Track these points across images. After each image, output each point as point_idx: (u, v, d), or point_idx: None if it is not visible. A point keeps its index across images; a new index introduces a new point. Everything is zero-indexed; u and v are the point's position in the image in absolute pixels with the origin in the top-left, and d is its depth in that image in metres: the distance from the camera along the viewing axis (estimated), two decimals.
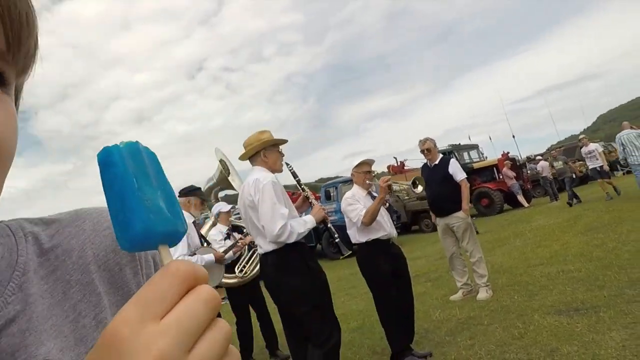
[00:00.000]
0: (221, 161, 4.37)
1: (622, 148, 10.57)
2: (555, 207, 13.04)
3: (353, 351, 4.35)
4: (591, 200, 12.32)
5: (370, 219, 3.72)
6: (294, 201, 3.21)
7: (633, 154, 10.34)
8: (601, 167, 11.58)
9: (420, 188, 4.26)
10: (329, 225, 3.13)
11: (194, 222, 3.75)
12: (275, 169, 3.04)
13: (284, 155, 3.12)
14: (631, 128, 10.35)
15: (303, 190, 3.18)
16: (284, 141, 3.12)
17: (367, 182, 4.01)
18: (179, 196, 3.80)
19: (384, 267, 3.78)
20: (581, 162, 20.51)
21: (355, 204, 3.82)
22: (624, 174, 19.83)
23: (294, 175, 3.14)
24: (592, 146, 12.02)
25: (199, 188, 3.82)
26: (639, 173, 10.28)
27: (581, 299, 4.19)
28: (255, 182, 2.85)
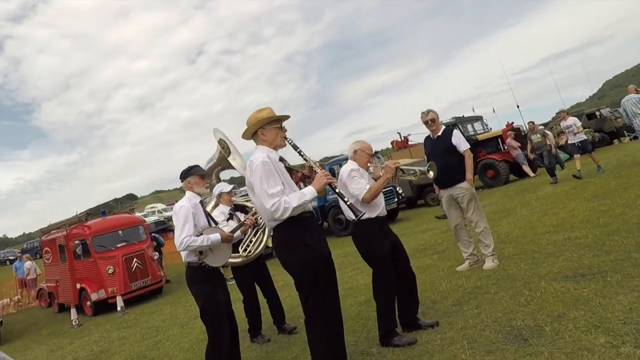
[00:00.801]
0: (220, 141, 4.32)
1: (625, 114, 10.40)
2: (561, 175, 12.91)
3: (361, 324, 4.38)
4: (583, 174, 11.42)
5: (372, 197, 3.70)
6: (303, 174, 3.21)
7: (635, 120, 10.17)
8: (582, 141, 11.24)
9: (432, 174, 4.22)
10: (337, 190, 3.07)
11: (200, 202, 3.76)
12: (275, 145, 3.03)
13: (285, 131, 3.09)
14: (636, 91, 10.15)
15: (306, 160, 3.14)
16: (282, 117, 3.08)
17: (368, 164, 3.99)
18: (180, 180, 3.83)
19: (385, 244, 3.76)
20: (587, 129, 20.28)
21: (360, 178, 3.79)
22: (630, 139, 19.58)
23: (295, 147, 3.10)
24: (571, 120, 11.61)
25: (195, 165, 3.82)
26: None
27: (588, 265, 4.16)
28: (249, 164, 2.90)
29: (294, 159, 3.28)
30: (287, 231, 2.84)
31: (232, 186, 4.92)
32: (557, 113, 13.99)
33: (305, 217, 2.89)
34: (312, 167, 3.12)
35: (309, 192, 2.85)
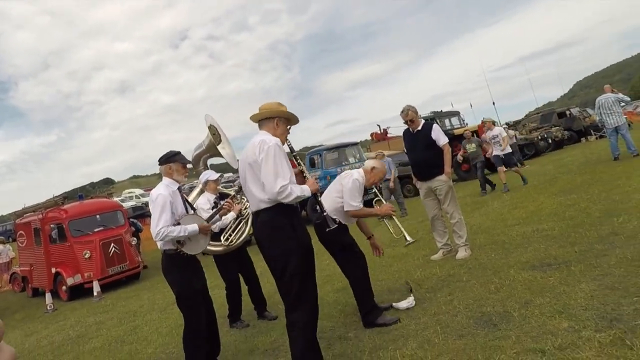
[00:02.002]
0: (211, 127, 4.27)
1: (599, 111, 10.71)
2: (531, 171, 13.24)
3: (338, 310, 4.46)
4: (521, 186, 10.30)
5: (355, 216, 3.99)
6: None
7: (608, 119, 10.51)
8: (507, 154, 10.65)
9: (408, 242, 4.48)
10: (319, 199, 3.19)
11: (178, 189, 3.66)
12: (280, 139, 3.08)
13: (289, 133, 3.20)
14: (612, 92, 10.46)
15: (299, 164, 3.24)
16: (297, 121, 3.22)
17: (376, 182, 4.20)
18: (159, 164, 3.70)
19: (350, 239, 4.02)
20: (557, 127, 20.84)
21: (359, 196, 3.95)
22: (597, 138, 20.19)
23: (292, 150, 3.22)
24: (497, 130, 10.95)
25: (178, 152, 3.71)
26: (613, 137, 10.51)
27: (554, 255, 4.33)
28: (260, 143, 2.90)
29: None
30: (278, 214, 2.88)
31: (219, 174, 4.88)
32: (481, 121, 12.73)
33: (294, 205, 2.95)
34: (302, 171, 3.23)
35: (307, 190, 2.94)
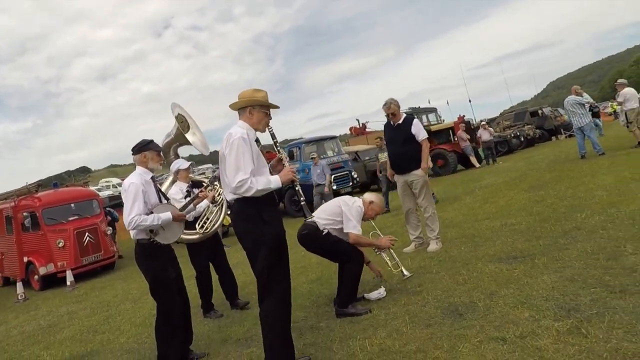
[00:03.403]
0: (178, 116, 4.20)
1: (567, 112, 11.05)
2: (503, 168, 13.54)
3: (311, 300, 4.49)
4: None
5: (354, 242, 3.97)
6: (271, 159, 3.24)
7: (573, 119, 10.85)
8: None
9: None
10: (297, 188, 3.17)
11: (152, 178, 3.61)
12: (257, 127, 3.06)
13: (271, 119, 3.14)
14: (575, 93, 10.77)
15: (278, 152, 3.21)
16: (272, 106, 3.14)
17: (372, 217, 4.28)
18: (132, 154, 3.64)
19: (339, 238, 4.03)
20: (530, 125, 21.30)
21: (360, 222, 4.02)
22: (566, 137, 20.72)
23: (273, 136, 3.19)
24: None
25: (151, 140, 3.66)
26: (579, 136, 10.82)
27: (520, 249, 4.45)
28: (227, 136, 2.90)
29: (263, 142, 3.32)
30: (246, 206, 2.87)
31: (189, 163, 4.83)
32: (375, 139, 11.13)
33: (266, 195, 2.92)
34: (281, 159, 3.19)
35: (275, 181, 2.90)
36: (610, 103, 18.90)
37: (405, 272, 4.24)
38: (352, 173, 13.68)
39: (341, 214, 3.99)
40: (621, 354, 2.25)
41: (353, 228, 3.92)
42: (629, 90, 10.86)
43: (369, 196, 4.25)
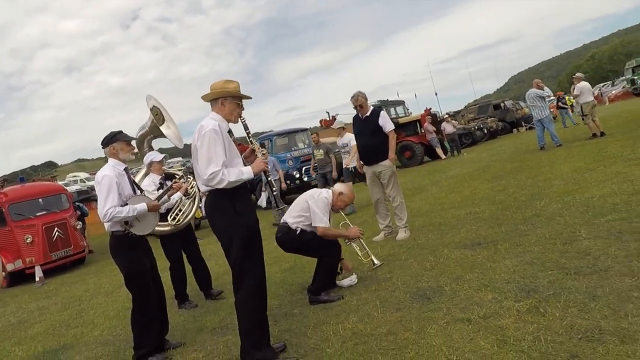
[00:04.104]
0: (153, 108, 4.13)
1: (527, 105, 11.44)
2: (467, 159, 13.88)
3: (285, 288, 4.53)
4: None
5: (323, 234, 3.96)
6: (243, 151, 3.23)
7: (533, 112, 11.23)
8: (356, 168, 7.24)
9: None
10: (269, 178, 3.18)
11: (125, 169, 3.55)
12: (229, 119, 3.02)
13: (243, 109, 3.10)
14: (537, 87, 11.13)
15: (251, 142, 3.19)
16: (244, 97, 3.10)
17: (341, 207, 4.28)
18: (102, 147, 3.56)
19: (314, 234, 4.04)
20: (492, 118, 21.84)
21: (327, 215, 4.00)
22: (527, 129, 21.38)
23: (245, 127, 3.16)
24: (347, 137, 8.62)
25: (120, 131, 3.58)
26: (538, 128, 11.20)
27: (483, 235, 4.61)
28: (199, 128, 2.87)
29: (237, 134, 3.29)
30: (220, 197, 2.86)
31: (163, 155, 4.77)
32: (312, 135, 10.44)
33: (239, 187, 2.92)
34: (254, 150, 3.17)
35: (247, 172, 2.89)
36: (567, 97, 19.61)
37: (376, 261, 4.30)
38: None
39: (309, 208, 3.99)
40: (575, 329, 2.39)
41: (320, 221, 3.93)
42: (584, 84, 11.31)
43: (338, 187, 4.28)
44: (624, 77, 30.26)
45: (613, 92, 31.05)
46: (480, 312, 2.87)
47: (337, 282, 4.18)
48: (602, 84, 40.40)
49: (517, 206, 5.50)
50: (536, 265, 3.43)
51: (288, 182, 12.10)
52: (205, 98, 3.08)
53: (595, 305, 2.59)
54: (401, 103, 19.59)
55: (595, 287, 2.81)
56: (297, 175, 12.79)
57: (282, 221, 4.15)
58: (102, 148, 3.57)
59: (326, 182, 9.34)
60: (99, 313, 5.38)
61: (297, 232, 3.98)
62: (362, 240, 4.38)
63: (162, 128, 4.09)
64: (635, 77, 26.08)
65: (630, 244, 3.37)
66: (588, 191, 5.33)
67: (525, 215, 4.99)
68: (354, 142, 8.16)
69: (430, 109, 18.16)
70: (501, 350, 2.36)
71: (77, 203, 12.33)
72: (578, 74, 11.98)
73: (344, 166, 9.06)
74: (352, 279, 4.16)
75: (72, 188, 25.40)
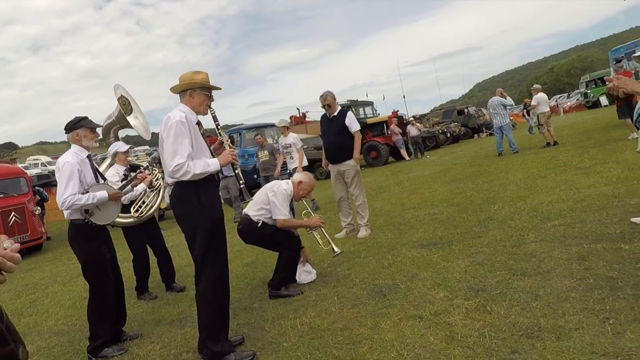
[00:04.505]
0: (121, 98, 4.01)
1: (489, 111, 11.80)
2: (430, 161, 14.20)
3: (246, 282, 4.53)
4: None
5: (283, 226, 3.97)
6: (213, 143, 3.19)
7: (494, 119, 11.61)
8: (295, 169, 8.00)
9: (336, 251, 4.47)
10: (237, 170, 3.15)
11: (88, 157, 3.45)
12: (198, 110, 2.97)
13: (212, 100, 3.05)
14: (501, 95, 11.50)
15: (220, 134, 3.16)
16: (213, 88, 3.05)
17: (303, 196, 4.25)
18: (65, 132, 3.45)
19: (274, 228, 4.05)
20: (456, 123, 22.40)
21: (287, 207, 3.99)
22: (487, 135, 22.05)
23: (215, 119, 3.11)
24: (291, 138, 8.49)
25: (85, 117, 3.47)
26: (498, 135, 11.59)
27: (440, 236, 4.75)
28: (166, 119, 2.82)
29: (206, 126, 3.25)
30: (186, 189, 2.83)
31: (128, 146, 4.65)
32: (256, 136, 10.10)
33: (205, 179, 2.89)
34: (222, 142, 3.14)
35: (213, 164, 2.86)
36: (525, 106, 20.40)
37: (336, 249, 4.33)
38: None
39: (268, 202, 3.99)
40: (517, 327, 2.51)
41: (279, 214, 3.93)
42: (541, 96, 11.76)
43: (297, 176, 4.27)
44: (578, 91, 31.65)
45: (568, 104, 32.44)
46: (431, 309, 2.96)
47: (297, 278, 4.19)
48: (558, 96, 42.11)
49: (473, 209, 5.69)
50: (486, 265, 3.57)
51: (255, 176, 12.03)
52: (173, 90, 3.03)
53: (537, 304, 2.73)
54: (370, 104, 19.82)
55: (538, 288, 2.96)
56: None
57: (244, 214, 4.14)
58: (65, 133, 3.46)
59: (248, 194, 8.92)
60: (54, 302, 5.20)
61: (259, 224, 3.98)
62: (323, 229, 4.40)
63: (130, 118, 3.99)
64: (589, 91, 27.31)
65: (572, 247, 3.56)
66: (538, 197, 5.57)
67: (479, 217, 5.17)
68: (300, 143, 8.44)
69: (398, 111, 18.48)
70: (449, 346, 2.46)
71: (36, 187, 11.86)
72: (536, 86, 12.45)
73: (289, 167, 8.64)
74: (311, 275, 4.20)
75: (32, 172, 24.35)
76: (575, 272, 3.09)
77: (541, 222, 4.47)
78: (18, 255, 0.95)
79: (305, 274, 4.23)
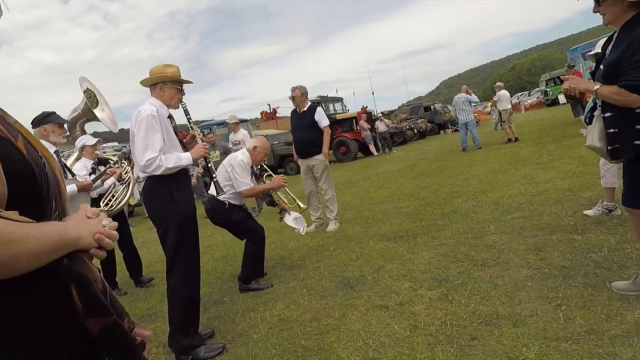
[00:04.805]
0: (87, 91, 3.90)
1: (454, 108, 12.08)
2: (397, 157, 14.43)
3: (216, 277, 4.51)
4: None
5: (249, 195, 3.96)
6: (184, 137, 3.14)
7: (460, 115, 11.90)
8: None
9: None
10: (210, 164, 3.12)
11: (56, 152, 3.36)
12: (169, 104, 2.93)
13: (184, 94, 3.01)
14: (466, 92, 11.78)
15: (192, 128, 3.11)
16: (184, 81, 3.00)
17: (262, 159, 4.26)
18: (32, 127, 3.36)
19: (242, 215, 4.05)
20: (423, 119, 22.79)
21: (247, 174, 3.95)
22: (452, 131, 22.56)
23: (186, 112, 3.06)
24: (241, 134, 8.28)
25: (53, 112, 3.38)
26: (462, 131, 11.88)
27: (406, 229, 4.86)
28: (137, 113, 2.77)
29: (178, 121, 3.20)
30: (157, 183, 2.79)
31: (96, 139, 4.53)
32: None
33: (177, 173, 2.85)
34: (195, 136, 3.10)
35: (186, 158, 2.83)
36: (488, 103, 20.95)
37: (301, 205, 4.32)
38: None
39: (229, 177, 3.96)
40: (477, 315, 2.62)
41: (242, 185, 3.89)
42: (504, 93, 12.13)
43: (251, 142, 4.25)
44: (538, 89, 32.75)
45: (529, 101, 33.53)
46: (397, 299, 3.04)
47: (285, 219, 4.23)
48: (520, 94, 43.46)
49: (438, 202, 5.84)
50: (449, 257, 3.69)
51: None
52: (144, 83, 2.97)
53: (496, 293, 2.85)
54: (340, 100, 19.91)
55: (497, 277, 3.08)
56: None
57: (209, 194, 4.09)
58: (32, 128, 3.37)
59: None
60: None
61: (226, 205, 3.91)
62: (286, 189, 4.40)
63: (96, 111, 3.88)
64: (548, 89, 28.32)
65: (529, 239, 3.72)
66: (499, 191, 5.77)
67: (444, 211, 5.31)
68: (249, 141, 8.07)
69: (367, 107, 18.64)
70: (413, 334, 2.54)
71: None
72: (499, 83, 12.84)
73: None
74: (301, 220, 4.32)
75: None
76: (532, 262, 3.23)
77: (501, 214, 4.64)
78: (116, 232, 0.98)
79: (295, 221, 4.29)
